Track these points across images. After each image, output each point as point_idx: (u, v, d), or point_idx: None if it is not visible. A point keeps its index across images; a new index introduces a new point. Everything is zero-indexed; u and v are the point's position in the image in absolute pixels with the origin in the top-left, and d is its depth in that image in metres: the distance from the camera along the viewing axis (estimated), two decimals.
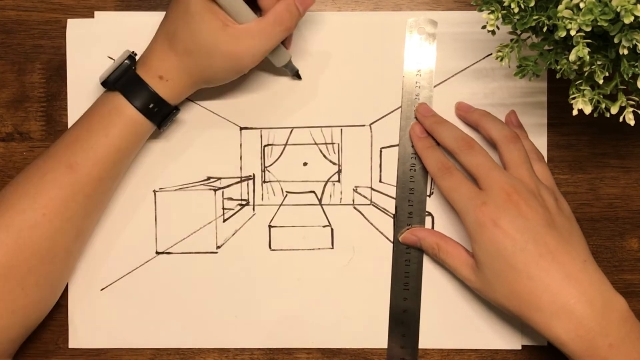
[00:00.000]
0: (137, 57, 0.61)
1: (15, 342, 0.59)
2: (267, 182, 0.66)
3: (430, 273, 0.65)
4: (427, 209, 0.65)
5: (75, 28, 0.65)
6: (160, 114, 0.60)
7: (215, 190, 0.65)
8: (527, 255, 0.56)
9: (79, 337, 0.65)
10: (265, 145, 0.66)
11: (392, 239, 0.65)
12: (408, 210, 0.65)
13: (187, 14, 0.57)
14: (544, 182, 0.61)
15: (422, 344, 0.65)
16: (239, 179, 0.66)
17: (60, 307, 0.65)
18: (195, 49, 0.58)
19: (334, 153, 0.66)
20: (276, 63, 0.63)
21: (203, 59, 0.58)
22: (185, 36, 0.58)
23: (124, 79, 0.59)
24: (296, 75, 0.65)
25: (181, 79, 0.60)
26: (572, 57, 0.50)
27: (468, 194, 0.59)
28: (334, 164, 0.66)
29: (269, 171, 0.66)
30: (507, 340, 0.64)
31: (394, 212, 0.65)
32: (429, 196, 0.65)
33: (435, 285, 0.65)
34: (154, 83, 0.59)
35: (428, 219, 0.65)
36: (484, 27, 0.55)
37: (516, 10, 0.52)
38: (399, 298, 0.65)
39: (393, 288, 0.65)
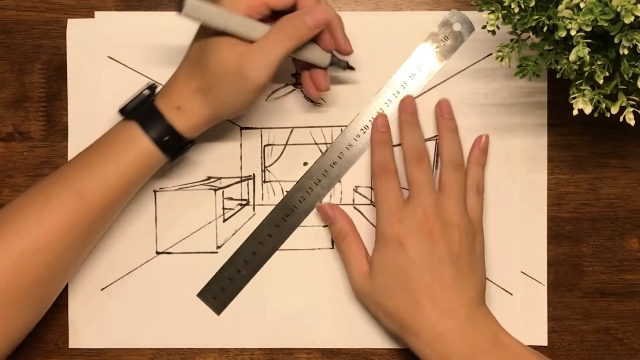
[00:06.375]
0: (157, 89, 0.60)
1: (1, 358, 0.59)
2: (267, 182, 0.66)
3: None
4: None
5: (75, 28, 0.65)
6: (175, 147, 0.59)
7: (215, 190, 0.65)
8: (421, 281, 0.59)
9: (79, 337, 0.65)
10: (265, 145, 0.66)
11: None
12: None
13: (205, 50, 0.57)
14: (472, 215, 0.62)
15: None
16: (239, 179, 0.66)
17: (60, 307, 0.65)
18: (219, 75, 0.56)
19: None
20: (320, 64, 0.61)
21: (224, 85, 0.56)
22: (209, 64, 0.56)
23: (142, 109, 0.58)
24: (349, 67, 0.63)
25: (200, 110, 0.58)
26: (572, 57, 0.50)
27: (390, 206, 0.60)
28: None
29: (269, 171, 0.66)
30: None
31: None
32: None
33: None
34: (170, 114, 0.57)
35: None
36: (484, 27, 0.55)
37: (516, 10, 0.52)
38: None
39: None
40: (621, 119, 0.54)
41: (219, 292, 0.65)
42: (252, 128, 0.66)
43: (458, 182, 0.62)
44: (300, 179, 0.65)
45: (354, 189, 0.66)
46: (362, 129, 0.65)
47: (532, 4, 0.52)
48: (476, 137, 0.64)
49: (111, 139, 0.59)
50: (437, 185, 0.62)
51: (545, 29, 0.52)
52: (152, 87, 0.59)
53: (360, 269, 0.62)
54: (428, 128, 0.64)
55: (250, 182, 0.66)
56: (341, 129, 0.66)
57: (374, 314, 0.62)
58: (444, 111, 0.64)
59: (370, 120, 0.65)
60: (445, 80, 0.65)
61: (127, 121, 0.58)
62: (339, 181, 0.66)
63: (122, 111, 0.59)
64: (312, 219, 0.65)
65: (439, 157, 0.63)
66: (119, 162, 0.58)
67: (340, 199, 0.66)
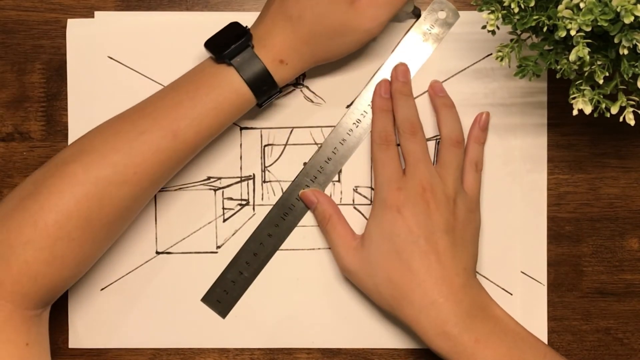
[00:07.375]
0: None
1: (62, 292, 0.58)
2: (267, 182, 0.66)
3: None
4: None
5: (75, 28, 0.65)
6: (267, 94, 0.59)
7: (215, 190, 0.65)
8: (416, 248, 0.59)
9: (79, 337, 0.65)
10: (265, 145, 0.66)
11: None
12: None
13: None
14: (470, 192, 0.62)
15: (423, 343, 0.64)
16: (239, 179, 0.66)
17: (60, 307, 0.65)
18: (323, 32, 0.58)
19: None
20: (406, 10, 0.63)
21: (331, 39, 0.58)
22: (312, 19, 0.57)
23: (243, 57, 0.57)
24: (417, 16, 0.65)
25: (303, 61, 0.59)
26: (572, 57, 0.50)
27: (390, 174, 0.61)
28: None
29: (269, 171, 0.66)
30: None
31: None
32: None
33: None
34: (273, 67, 0.58)
35: None
36: (484, 27, 0.55)
37: (516, 10, 0.52)
38: None
39: None
40: (621, 119, 0.54)
41: (223, 295, 0.65)
42: (252, 128, 0.66)
43: (456, 159, 0.62)
44: (297, 176, 0.65)
45: (354, 189, 0.66)
46: (354, 123, 0.65)
47: (532, 4, 0.52)
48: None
49: (207, 82, 0.58)
50: (434, 158, 0.64)
51: (545, 29, 0.52)
52: (248, 32, 0.58)
53: (349, 245, 0.62)
54: (428, 128, 0.64)
55: (250, 182, 0.66)
56: None
57: (365, 288, 0.62)
58: (437, 90, 0.64)
59: (362, 114, 0.65)
60: (446, 80, 0.65)
61: (222, 64, 0.58)
62: (338, 180, 0.66)
63: (221, 57, 0.58)
64: (311, 218, 0.65)
65: (439, 134, 0.64)
66: (215, 107, 0.57)
67: (340, 199, 0.66)
